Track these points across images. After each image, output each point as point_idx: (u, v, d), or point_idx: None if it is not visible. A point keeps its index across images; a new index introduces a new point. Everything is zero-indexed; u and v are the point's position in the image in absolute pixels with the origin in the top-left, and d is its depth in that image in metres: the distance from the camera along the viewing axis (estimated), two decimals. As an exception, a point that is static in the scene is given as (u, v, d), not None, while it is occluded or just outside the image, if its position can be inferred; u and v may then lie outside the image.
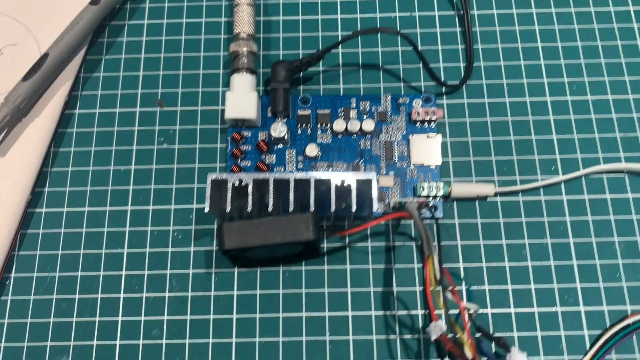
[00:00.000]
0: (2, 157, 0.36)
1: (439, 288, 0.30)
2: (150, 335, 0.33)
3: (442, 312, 0.32)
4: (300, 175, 0.30)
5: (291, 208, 0.30)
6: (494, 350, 0.32)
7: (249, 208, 0.30)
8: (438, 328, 0.31)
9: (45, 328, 0.34)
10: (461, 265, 0.34)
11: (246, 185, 0.30)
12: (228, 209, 0.30)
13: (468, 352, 0.28)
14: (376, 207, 0.30)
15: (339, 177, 0.30)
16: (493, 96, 0.38)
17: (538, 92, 0.38)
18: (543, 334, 0.33)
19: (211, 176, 0.30)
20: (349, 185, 0.30)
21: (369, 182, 0.30)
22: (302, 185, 0.30)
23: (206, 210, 0.30)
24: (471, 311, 0.29)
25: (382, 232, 0.35)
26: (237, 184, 0.30)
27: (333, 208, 0.30)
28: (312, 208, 0.30)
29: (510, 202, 0.36)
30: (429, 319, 0.33)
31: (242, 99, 0.36)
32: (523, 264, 0.34)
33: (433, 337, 0.31)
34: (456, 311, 0.32)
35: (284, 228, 0.30)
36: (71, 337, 0.34)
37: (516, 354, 0.30)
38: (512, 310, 0.33)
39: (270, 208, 0.30)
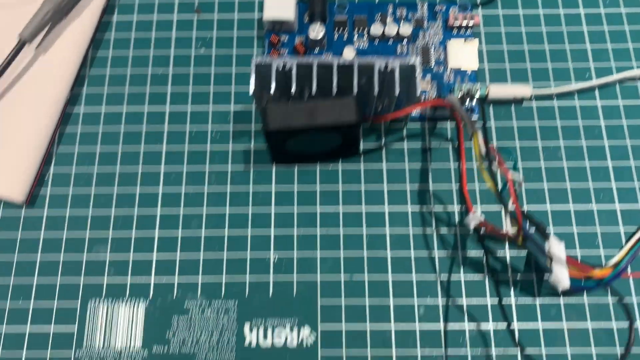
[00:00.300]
0: (44, 54, 0.36)
1: (488, 173, 0.30)
2: (189, 227, 0.34)
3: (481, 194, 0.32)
4: (344, 59, 0.31)
5: (334, 93, 0.30)
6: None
7: (292, 91, 0.31)
8: (476, 217, 0.32)
9: (83, 220, 0.34)
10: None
11: (290, 70, 0.31)
12: (272, 92, 0.30)
13: (512, 224, 0.28)
14: (419, 90, 0.30)
15: (383, 61, 0.30)
16: (527, 7, 0.38)
17: (572, 5, 0.38)
18: (579, 229, 0.33)
19: (255, 60, 0.31)
20: (393, 70, 0.30)
21: (412, 67, 0.31)
22: (345, 71, 0.31)
23: (250, 92, 0.31)
24: (517, 178, 0.29)
25: (418, 134, 0.36)
26: (280, 68, 0.31)
27: (377, 90, 0.30)
28: (354, 92, 0.30)
29: (545, 107, 0.36)
30: (465, 214, 0.34)
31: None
32: (558, 164, 0.35)
33: (472, 226, 0.32)
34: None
35: (327, 111, 0.30)
36: (109, 228, 0.34)
37: (554, 242, 0.30)
38: (547, 207, 0.34)
39: (313, 92, 0.31)
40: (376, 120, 0.33)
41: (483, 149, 0.29)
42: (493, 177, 0.29)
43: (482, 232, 0.32)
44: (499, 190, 0.29)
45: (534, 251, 0.29)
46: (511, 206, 0.30)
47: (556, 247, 0.30)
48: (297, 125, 0.30)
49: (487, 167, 0.29)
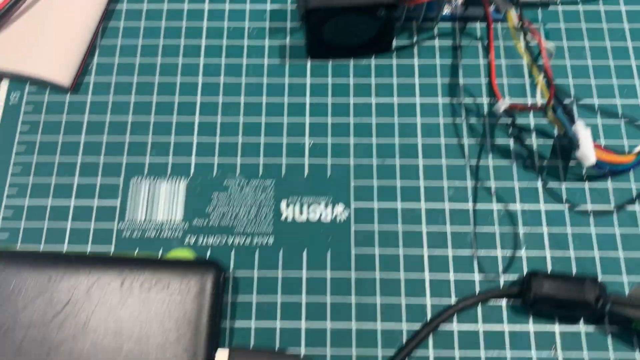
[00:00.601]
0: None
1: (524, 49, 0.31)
2: (227, 114, 0.35)
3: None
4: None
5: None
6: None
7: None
8: (505, 102, 0.33)
9: (126, 106, 0.35)
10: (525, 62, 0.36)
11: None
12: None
13: (544, 91, 0.30)
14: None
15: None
16: None
17: None
18: (604, 122, 0.35)
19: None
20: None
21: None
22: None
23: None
24: (549, 47, 0.30)
25: (449, 33, 0.37)
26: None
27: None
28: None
29: (571, 11, 0.37)
30: (494, 105, 0.35)
31: None
32: (583, 62, 0.36)
33: (502, 109, 0.33)
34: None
35: (366, -8, 0.32)
36: (151, 113, 0.35)
37: (581, 125, 0.32)
38: (573, 101, 0.35)
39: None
40: (412, 3, 0.34)
41: (517, 22, 0.31)
42: (528, 49, 0.30)
43: (512, 113, 0.34)
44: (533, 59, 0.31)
45: (563, 122, 0.30)
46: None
47: (582, 129, 0.31)
48: (336, 4, 0.32)
49: (521, 38, 0.30)
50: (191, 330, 0.28)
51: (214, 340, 0.29)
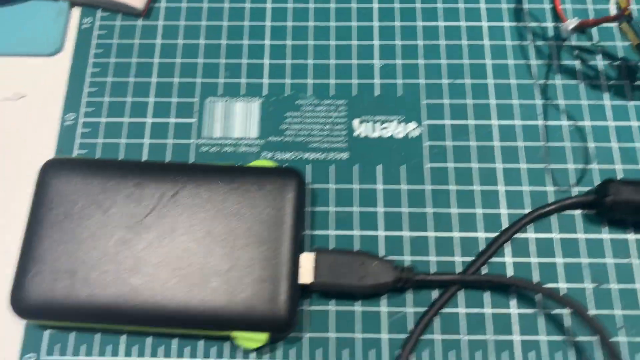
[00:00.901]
0: None
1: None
2: (297, 37, 0.36)
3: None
4: None
5: None
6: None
7: None
8: (572, 21, 0.34)
9: (197, 29, 0.36)
10: (588, -12, 0.37)
11: None
12: None
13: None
14: None
15: None
16: None
17: None
18: (668, 43, 0.35)
19: None
20: None
21: None
22: None
23: None
24: None
25: (511, -39, 0.38)
26: None
27: None
28: None
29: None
30: (561, 26, 0.35)
31: None
32: (646, -11, 0.37)
33: (570, 27, 0.33)
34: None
35: None
36: (222, 38, 0.36)
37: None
38: (637, 24, 0.36)
39: None
40: None
41: None
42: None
43: (581, 29, 0.34)
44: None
45: (638, 32, 0.31)
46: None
47: (653, 44, 0.32)
48: None
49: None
50: (276, 232, 0.29)
51: (298, 243, 0.29)
